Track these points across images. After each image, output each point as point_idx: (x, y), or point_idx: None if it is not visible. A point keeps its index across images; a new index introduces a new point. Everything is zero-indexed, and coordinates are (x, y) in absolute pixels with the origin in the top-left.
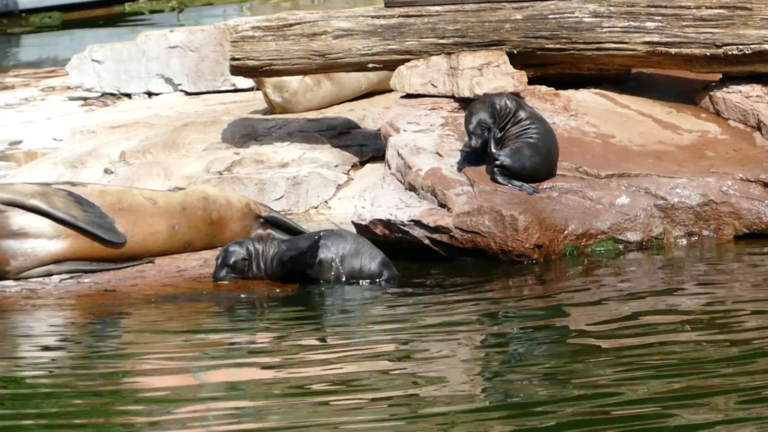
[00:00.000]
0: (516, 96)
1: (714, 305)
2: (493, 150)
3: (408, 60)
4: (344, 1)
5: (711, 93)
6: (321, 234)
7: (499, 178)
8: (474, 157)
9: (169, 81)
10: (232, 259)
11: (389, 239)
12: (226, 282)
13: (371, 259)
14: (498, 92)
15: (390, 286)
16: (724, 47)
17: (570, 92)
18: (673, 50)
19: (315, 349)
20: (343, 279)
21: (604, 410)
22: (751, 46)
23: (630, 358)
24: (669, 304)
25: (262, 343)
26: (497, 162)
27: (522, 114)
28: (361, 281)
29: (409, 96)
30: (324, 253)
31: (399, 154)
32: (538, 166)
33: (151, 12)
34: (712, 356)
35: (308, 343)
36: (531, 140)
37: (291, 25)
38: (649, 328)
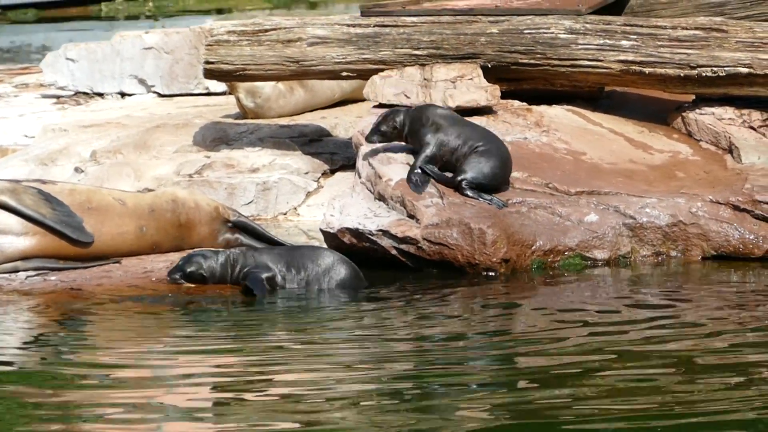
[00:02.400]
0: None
1: (673, 326)
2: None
3: (382, 70)
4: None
5: (684, 114)
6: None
7: (469, 192)
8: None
9: (142, 82)
10: (189, 269)
11: (357, 248)
12: (179, 283)
13: (338, 270)
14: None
15: (357, 296)
16: (699, 68)
17: (543, 108)
18: (647, 69)
19: (274, 355)
20: (311, 288)
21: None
22: (726, 68)
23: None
24: (628, 323)
25: (221, 345)
26: (460, 179)
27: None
28: (328, 290)
29: (382, 106)
30: (287, 273)
31: (369, 164)
32: (497, 170)
33: (128, 18)
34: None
35: (267, 348)
36: (481, 149)
37: (266, 30)
38: (604, 346)
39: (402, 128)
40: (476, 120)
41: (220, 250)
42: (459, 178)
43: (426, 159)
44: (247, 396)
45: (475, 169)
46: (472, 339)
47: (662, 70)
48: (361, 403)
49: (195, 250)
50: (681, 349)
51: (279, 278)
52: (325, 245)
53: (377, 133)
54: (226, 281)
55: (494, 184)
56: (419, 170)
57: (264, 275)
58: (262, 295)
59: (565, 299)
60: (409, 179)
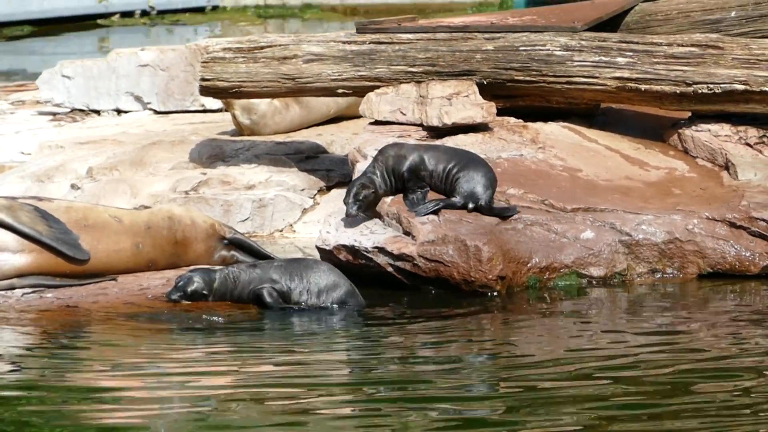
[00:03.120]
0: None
1: (668, 343)
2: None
3: (378, 87)
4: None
5: (680, 130)
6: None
7: (487, 212)
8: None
9: (138, 99)
10: (191, 288)
11: (353, 265)
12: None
13: (338, 288)
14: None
15: (354, 314)
16: (695, 85)
17: (539, 125)
18: (643, 86)
19: (268, 373)
20: (309, 306)
21: None
22: (722, 85)
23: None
24: (623, 341)
25: (217, 365)
26: (472, 207)
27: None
28: (326, 308)
29: (377, 123)
30: (291, 285)
31: None
32: (490, 177)
33: (123, 26)
34: (664, 397)
35: (262, 367)
36: (463, 170)
37: (262, 47)
38: (601, 364)
39: (386, 183)
40: (472, 137)
41: (218, 267)
42: (471, 206)
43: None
44: (244, 415)
45: (474, 187)
46: (467, 362)
47: (658, 87)
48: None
49: (192, 268)
50: (679, 372)
51: (286, 289)
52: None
53: (357, 202)
54: (226, 298)
55: (493, 190)
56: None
57: (276, 287)
58: (278, 308)
59: (562, 319)
60: (411, 206)
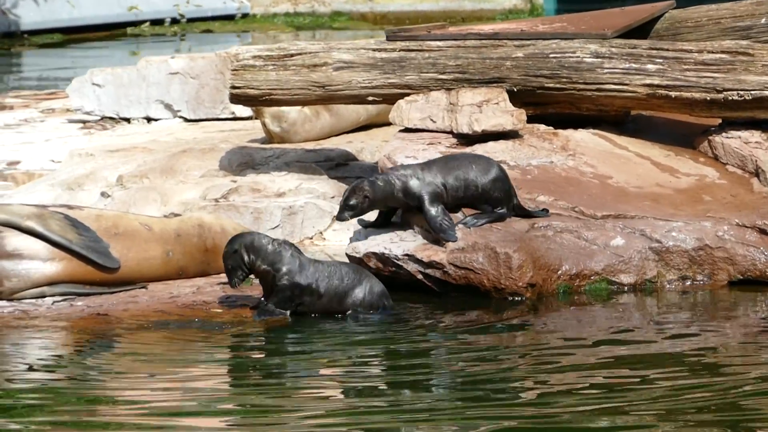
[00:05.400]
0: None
1: (700, 351)
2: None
3: (408, 94)
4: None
5: (710, 137)
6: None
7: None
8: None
9: (168, 107)
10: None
11: (382, 272)
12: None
13: (370, 291)
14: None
15: (386, 317)
16: (725, 92)
17: (569, 132)
18: (673, 93)
19: (304, 382)
20: (340, 308)
21: None
22: (752, 92)
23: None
24: (655, 348)
25: (250, 372)
26: (501, 212)
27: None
28: (357, 311)
29: (407, 130)
30: (325, 284)
31: None
32: (504, 178)
33: (153, 35)
34: (695, 403)
35: (299, 375)
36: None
37: (292, 55)
38: (634, 371)
39: (380, 194)
40: (502, 144)
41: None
42: (500, 211)
43: (432, 204)
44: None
45: (501, 196)
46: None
47: (688, 94)
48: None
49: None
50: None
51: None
52: None
53: (347, 209)
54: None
55: (513, 191)
56: (437, 216)
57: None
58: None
59: (593, 327)
60: (436, 230)
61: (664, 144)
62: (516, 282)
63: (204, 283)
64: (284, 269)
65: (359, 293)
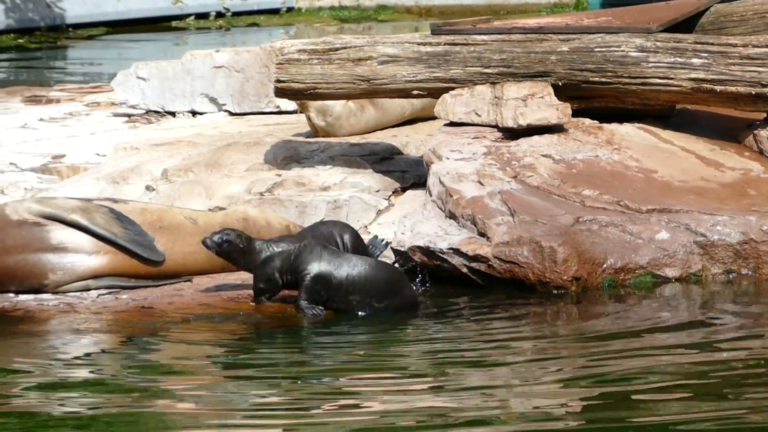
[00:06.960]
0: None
1: (747, 345)
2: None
3: (452, 88)
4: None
5: (755, 131)
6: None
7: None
8: None
9: (213, 101)
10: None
11: (427, 266)
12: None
13: (403, 296)
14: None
15: (420, 317)
16: None
17: (613, 126)
18: (718, 87)
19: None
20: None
21: None
22: None
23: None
24: (702, 342)
25: (294, 365)
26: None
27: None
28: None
29: (452, 124)
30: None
31: (440, 182)
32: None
33: (198, 29)
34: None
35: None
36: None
37: (337, 49)
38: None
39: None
40: (547, 138)
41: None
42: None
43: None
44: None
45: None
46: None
47: (733, 88)
48: None
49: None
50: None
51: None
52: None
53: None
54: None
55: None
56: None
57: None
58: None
59: (642, 322)
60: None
61: (708, 138)
62: (561, 276)
63: (249, 276)
64: (307, 269)
65: (394, 296)
